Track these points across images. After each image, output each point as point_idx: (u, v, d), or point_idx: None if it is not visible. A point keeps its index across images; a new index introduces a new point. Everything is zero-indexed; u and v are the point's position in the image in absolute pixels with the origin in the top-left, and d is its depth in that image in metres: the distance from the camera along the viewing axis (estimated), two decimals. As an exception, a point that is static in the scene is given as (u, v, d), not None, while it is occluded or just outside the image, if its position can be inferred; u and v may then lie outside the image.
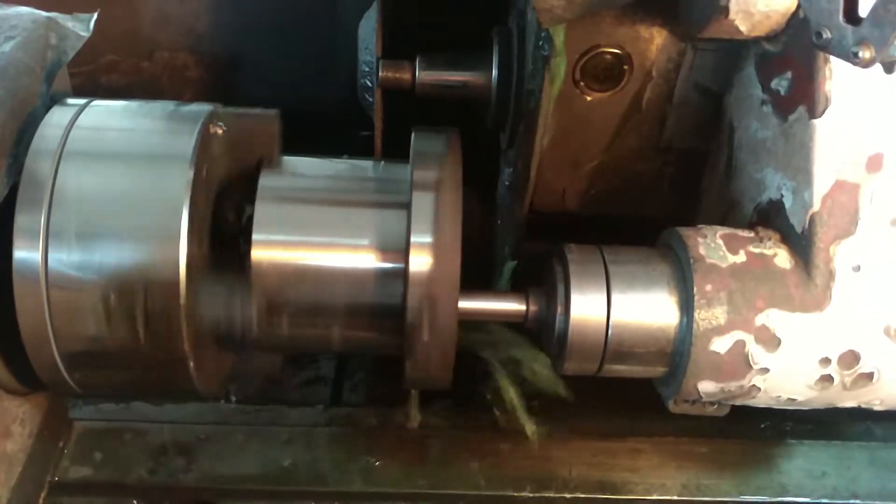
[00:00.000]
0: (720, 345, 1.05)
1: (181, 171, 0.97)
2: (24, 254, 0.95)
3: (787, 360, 1.05)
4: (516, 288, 1.15)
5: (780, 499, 1.39)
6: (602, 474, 1.39)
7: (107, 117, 1.04)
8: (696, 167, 1.36)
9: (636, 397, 1.30)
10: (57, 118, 1.01)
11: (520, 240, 1.41)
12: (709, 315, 1.04)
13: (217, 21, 1.84)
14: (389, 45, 1.47)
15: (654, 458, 1.41)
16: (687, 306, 1.05)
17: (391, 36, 1.49)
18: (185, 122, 1.02)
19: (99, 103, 1.06)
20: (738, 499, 1.38)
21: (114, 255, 0.95)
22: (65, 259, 0.95)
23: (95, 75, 1.79)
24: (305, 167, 1.11)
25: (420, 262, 1.00)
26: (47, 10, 1.58)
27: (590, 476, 1.38)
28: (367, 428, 1.42)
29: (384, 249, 1.04)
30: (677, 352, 1.07)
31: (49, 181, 0.96)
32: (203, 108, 1.05)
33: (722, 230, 1.10)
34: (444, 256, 1.00)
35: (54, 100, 1.07)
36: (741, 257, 1.07)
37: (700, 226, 1.11)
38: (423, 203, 1.01)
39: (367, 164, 1.13)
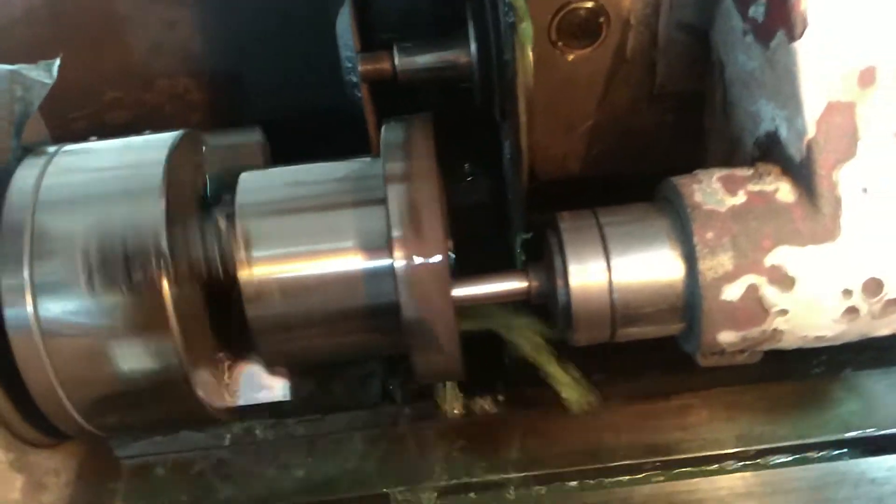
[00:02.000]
0: (732, 292, 0.99)
1: (155, 204, 0.96)
2: (14, 310, 0.95)
3: (806, 298, 0.99)
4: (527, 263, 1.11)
5: (843, 435, 1.32)
6: (651, 437, 1.35)
7: (76, 161, 1.03)
8: (695, 110, 1.29)
9: (674, 352, 1.25)
10: (28, 170, 1.01)
11: (527, 212, 1.36)
12: (714, 264, 0.99)
13: (210, 41, 1.83)
14: (370, 38, 1.44)
15: (703, 412, 1.36)
16: (691, 258, 1.00)
17: (370, 28, 1.46)
18: (153, 152, 1.01)
19: (68, 148, 1.06)
20: (798, 442, 1.32)
21: (102, 300, 0.95)
22: (54, 309, 0.95)
23: (100, 115, 1.80)
24: (281, 177, 1.09)
25: (403, 256, 0.97)
26: (40, 46, 1.62)
27: (639, 440, 1.34)
28: (412, 422, 1.40)
29: (370, 249, 1.02)
30: (689, 306, 1.02)
31: (27, 234, 0.96)
32: (172, 135, 1.04)
33: (719, 172, 1.05)
34: (427, 247, 0.97)
35: (27, 150, 1.07)
36: (740, 198, 1.01)
37: (696, 171, 1.06)
38: (397, 196, 0.98)
39: (345, 165, 1.11)
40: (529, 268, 1.07)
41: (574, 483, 1.28)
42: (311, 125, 1.69)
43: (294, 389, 1.07)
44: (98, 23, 1.69)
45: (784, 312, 1.00)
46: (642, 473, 1.29)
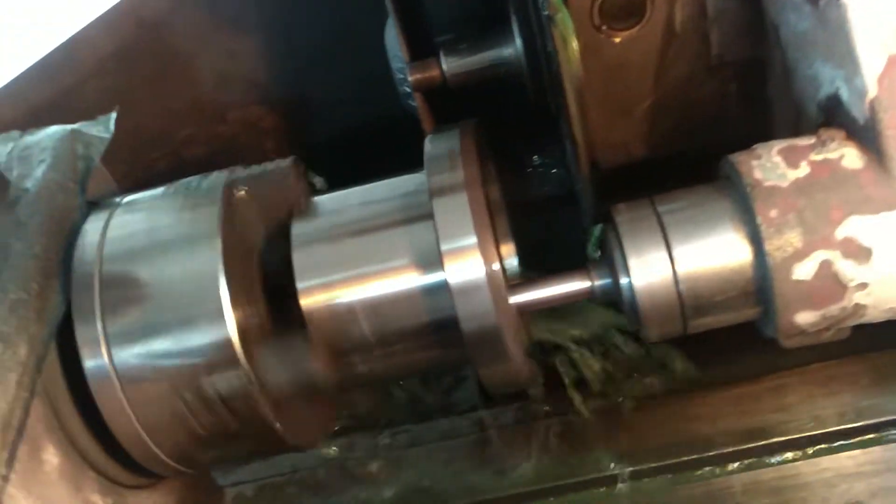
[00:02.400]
0: (803, 271, 0.94)
1: (211, 247, 0.98)
2: (92, 362, 0.98)
3: (886, 268, 0.93)
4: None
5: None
6: (747, 421, 1.29)
7: (137, 212, 1.06)
8: (759, 77, 1.23)
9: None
10: (93, 225, 1.04)
11: (595, 202, 1.33)
12: (781, 243, 0.93)
13: (273, 66, 1.85)
14: (423, 46, 1.43)
15: (801, 390, 1.30)
16: (756, 239, 0.95)
17: (422, 35, 1.44)
18: (206, 196, 1.03)
19: (130, 199, 1.09)
20: (912, 414, 1.24)
21: (171, 344, 0.97)
22: (128, 357, 0.98)
23: (178, 153, 1.85)
24: (333, 203, 1.10)
25: (456, 269, 0.96)
26: (113, 96, 1.67)
27: (735, 426, 1.29)
28: (503, 425, 1.39)
29: (424, 265, 1.01)
30: (761, 289, 0.97)
31: (96, 287, 0.99)
32: (220, 177, 1.05)
33: (779, 145, 0.99)
34: (479, 257, 0.95)
35: (93, 205, 1.10)
36: (803, 170, 0.95)
37: (754, 146, 1.00)
38: (443, 209, 0.97)
39: (393, 183, 1.10)
40: (591, 266, 1.04)
41: (669, 476, 1.23)
42: (378, 138, 1.69)
43: (368, 410, 1.07)
44: (163, 64, 1.73)
45: (863, 286, 0.93)
46: (740, 461, 1.24)
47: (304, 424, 1.05)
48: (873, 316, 0.97)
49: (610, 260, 1.02)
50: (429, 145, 1.04)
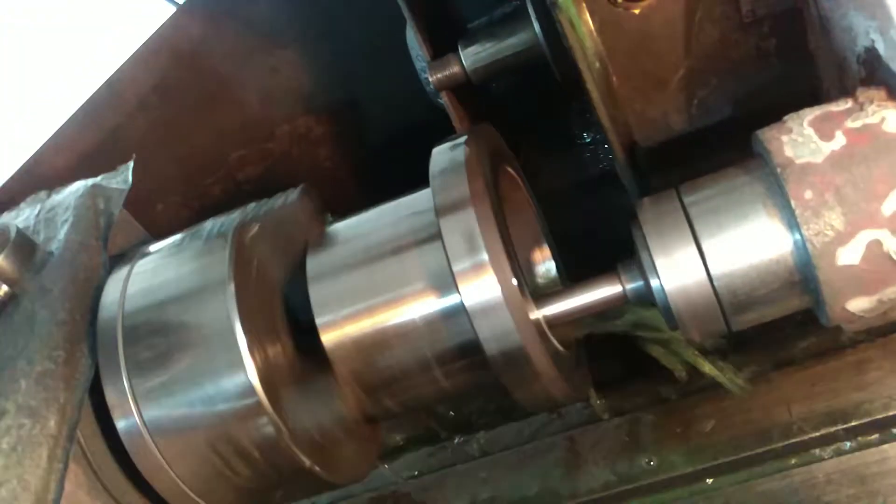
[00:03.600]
0: (849, 255, 0.82)
1: (224, 293, 0.94)
2: (123, 421, 0.97)
3: (947, 241, 0.80)
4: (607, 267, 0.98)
5: None
6: (827, 403, 1.18)
7: (154, 264, 1.03)
8: (798, 29, 1.10)
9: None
10: (113, 283, 1.02)
11: (638, 186, 1.23)
12: (820, 226, 0.82)
13: (317, 74, 1.81)
14: (443, 43, 1.36)
15: (884, 364, 1.17)
16: (792, 224, 0.84)
17: (441, 33, 1.37)
18: (218, 240, 1.00)
19: (148, 249, 1.07)
20: None
21: (196, 396, 0.94)
22: (158, 414, 0.96)
23: (232, 175, 1.84)
24: (346, 230, 1.04)
25: (470, 290, 0.89)
26: (160, 128, 1.66)
27: (813, 410, 1.17)
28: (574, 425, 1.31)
29: (442, 288, 0.94)
30: (806, 278, 0.86)
31: (120, 345, 0.98)
32: (231, 219, 1.02)
33: (811, 113, 0.87)
34: (492, 274, 0.88)
35: (116, 259, 1.09)
36: (839, 141, 0.83)
37: (785, 118, 0.89)
38: (451, 227, 0.90)
39: (403, 203, 1.03)
40: (621, 268, 0.95)
41: (745, 471, 1.13)
42: (433, 133, 1.62)
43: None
44: (205, 90, 1.72)
45: (923, 263, 0.81)
46: (821, 448, 1.12)
47: (344, 460, 1.01)
48: (940, 292, 0.85)
49: (639, 261, 0.92)
50: (433, 159, 0.96)
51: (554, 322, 0.95)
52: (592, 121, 1.62)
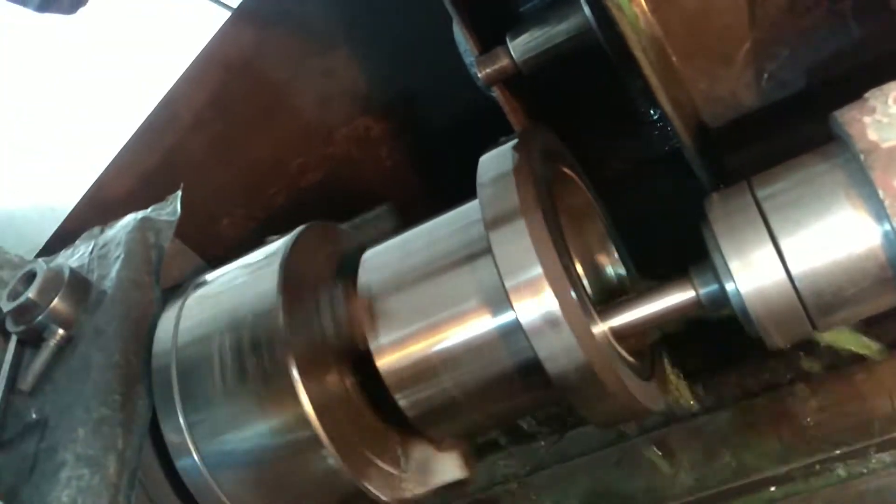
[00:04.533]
0: (952, 247, 0.71)
1: (275, 323, 0.90)
2: (182, 459, 0.94)
3: None
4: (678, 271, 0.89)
5: None
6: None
7: (206, 296, 0.99)
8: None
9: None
10: (166, 318, 0.99)
11: (710, 170, 1.13)
12: (915, 217, 0.71)
13: (372, 73, 1.76)
14: (489, 36, 1.27)
15: None
16: (881, 216, 0.74)
17: (490, 25, 1.28)
18: (267, 267, 0.95)
19: (201, 280, 1.02)
20: None
21: (253, 430, 0.90)
22: (215, 450, 0.93)
23: (294, 183, 1.80)
24: (396, 249, 0.98)
25: (526, 306, 0.81)
26: (218, 142, 1.63)
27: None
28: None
29: (497, 305, 0.87)
30: (902, 271, 0.75)
31: (174, 383, 0.94)
32: (276, 246, 0.97)
33: (895, 88, 0.76)
34: (548, 289, 0.80)
35: (170, 291, 1.05)
36: (932, 118, 0.72)
37: (867, 94, 0.78)
38: (501, 240, 0.83)
39: (453, 216, 0.96)
40: (693, 270, 0.86)
41: (841, 470, 1.03)
42: (491, 123, 1.54)
43: (470, 464, 0.95)
44: (261, 100, 1.68)
45: None
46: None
47: (395, 486, 0.95)
48: None
49: (711, 263, 0.83)
50: (480, 167, 0.89)
51: (622, 334, 0.86)
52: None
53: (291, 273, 0.93)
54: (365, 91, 1.72)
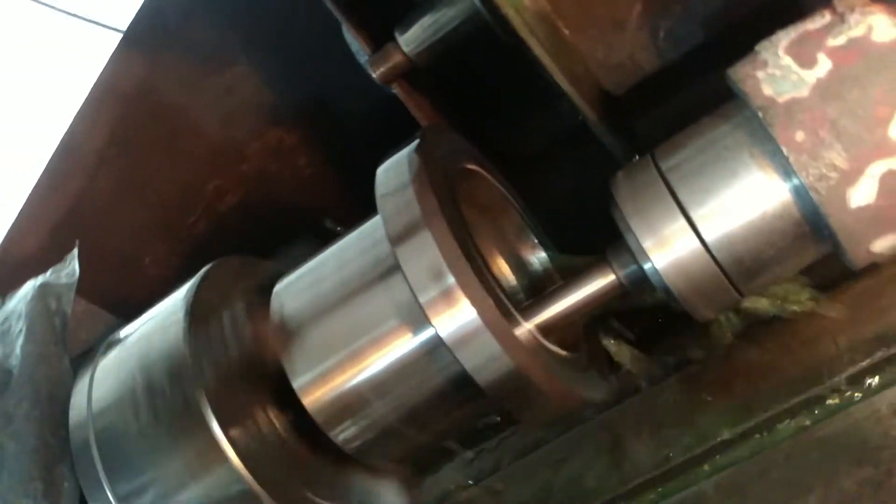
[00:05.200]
0: (862, 194, 0.68)
1: (188, 373, 0.84)
2: None
3: (974, 154, 0.66)
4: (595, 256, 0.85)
5: None
6: (875, 326, 1.04)
7: (115, 358, 0.93)
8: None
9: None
10: (79, 389, 0.93)
11: (621, 141, 1.09)
12: (821, 169, 0.68)
13: (276, 83, 1.69)
14: (381, 34, 1.22)
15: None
16: (788, 172, 0.70)
17: (376, 25, 1.23)
18: (172, 315, 0.89)
19: (111, 340, 0.96)
20: None
21: (182, 492, 0.85)
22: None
23: (212, 208, 1.72)
24: (307, 278, 0.92)
25: (444, 320, 0.77)
26: (128, 176, 1.56)
27: (862, 336, 1.03)
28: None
29: (414, 322, 0.82)
30: (818, 226, 0.72)
31: (95, 451, 0.88)
32: (182, 293, 0.91)
33: (786, 38, 0.72)
34: (463, 299, 0.76)
35: (82, 357, 0.99)
36: (824, 65, 0.69)
37: (757, 47, 0.74)
38: (408, 255, 0.78)
39: (357, 237, 0.91)
40: (610, 253, 0.81)
41: (797, 420, 1.00)
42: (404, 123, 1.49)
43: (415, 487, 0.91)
44: (164, 128, 1.61)
45: (951, 186, 0.67)
46: (879, 375, 0.99)
47: None
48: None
49: (626, 244, 0.79)
50: (378, 181, 0.84)
51: (550, 328, 0.82)
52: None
53: (201, 315, 0.87)
54: (271, 102, 1.65)
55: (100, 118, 1.57)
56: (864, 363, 1.01)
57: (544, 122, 1.50)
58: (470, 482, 1.21)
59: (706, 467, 1.05)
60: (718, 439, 1.06)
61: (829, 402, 1.02)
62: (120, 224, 1.62)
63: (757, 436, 1.04)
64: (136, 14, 1.59)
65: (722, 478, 1.03)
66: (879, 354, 1.01)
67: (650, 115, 1.17)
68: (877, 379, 1.00)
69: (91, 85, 1.58)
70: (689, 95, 1.12)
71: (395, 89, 1.22)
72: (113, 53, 1.58)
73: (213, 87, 1.60)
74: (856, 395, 1.00)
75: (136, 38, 1.52)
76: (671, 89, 1.11)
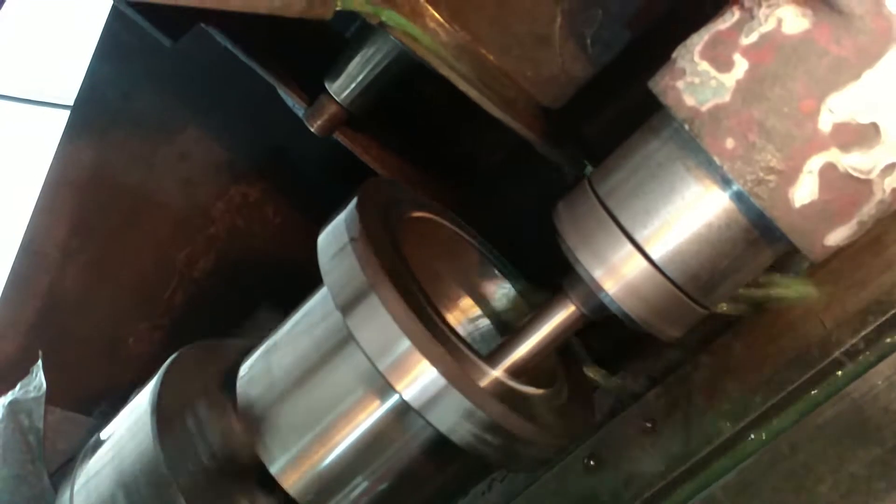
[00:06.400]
0: (805, 191, 0.65)
1: (159, 472, 0.81)
2: None
3: (909, 134, 0.63)
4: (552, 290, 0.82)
5: None
6: (858, 299, 1.00)
7: (93, 473, 0.91)
8: None
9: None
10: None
11: (570, 157, 1.06)
12: (758, 174, 0.65)
13: (228, 142, 1.66)
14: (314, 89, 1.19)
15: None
16: (725, 181, 0.67)
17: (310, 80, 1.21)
18: (140, 422, 0.86)
19: (87, 449, 0.94)
20: None
21: None
22: None
23: (187, 277, 1.71)
24: (266, 359, 0.89)
25: (407, 386, 0.74)
26: (88, 274, 1.54)
27: (847, 311, 1.00)
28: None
29: (380, 390, 0.80)
30: (768, 229, 0.69)
31: None
32: (150, 387, 0.88)
33: (700, 40, 0.69)
34: (423, 360, 0.73)
35: (62, 471, 0.96)
36: (740, 67, 0.65)
37: (674, 55, 0.71)
38: (361, 325, 0.75)
39: (311, 305, 0.88)
40: (567, 285, 0.78)
41: (795, 409, 0.97)
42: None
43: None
44: (124, 207, 1.59)
45: (891, 168, 0.64)
46: (869, 350, 0.96)
47: None
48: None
49: (578, 275, 0.76)
50: (320, 251, 0.81)
51: (519, 370, 0.79)
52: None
53: (167, 416, 0.85)
54: (228, 160, 1.64)
55: (57, 211, 1.56)
56: (854, 340, 0.98)
57: (500, 134, 1.47)
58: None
59: (711, 470, 1.01)
60: (718, 441, 1.02)
61: (824, 385, 0.98)
62: (96, 312, 1.60)
63: (757, 431, 1.01)
64: (76, 98, 1.58)
65: (729, 479, 1.00)
66: (867, 328, 0.97)
67: (597, 120, 1.15)
68: (869, 353, 0.96)
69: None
70: (632, 93, 1.09)
71: (338, 138, 1.19)
72: (59, 142, 1.56)
73: (166, 157, 1.58)
74: (850, 373, 0.97)
75: (79, 126, 1.51)
76: (613, 91, 1.08)
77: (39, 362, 1.06)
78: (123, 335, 1.64)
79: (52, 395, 1.12)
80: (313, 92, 1.18)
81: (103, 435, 0.94)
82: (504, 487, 1.17)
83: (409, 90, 1.41)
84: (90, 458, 0.92)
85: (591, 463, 1.09)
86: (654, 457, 1.06)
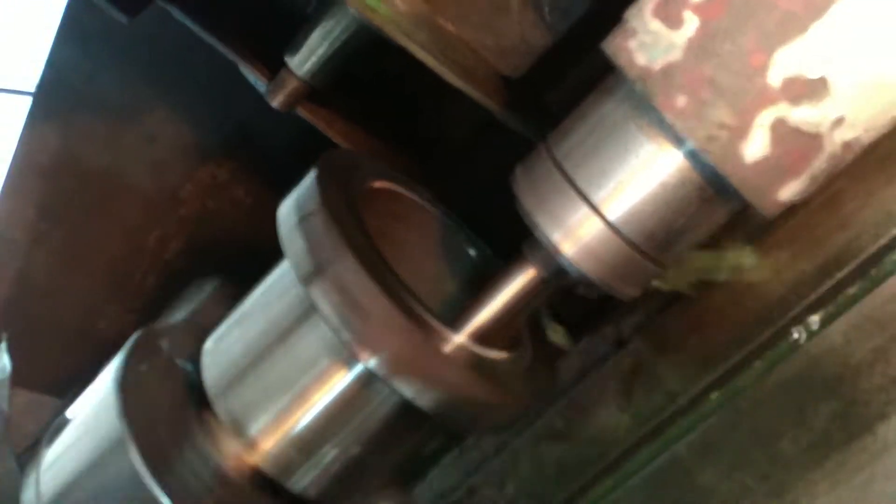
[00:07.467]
0: (756, 146, 0.65)
1: (129, 461, 0.80)
2: None
3: (854, 85, 0.62)
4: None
5: None
6: (816, 257, 1.01)
7: (58, 456, 0.89)
8: None
9: None
10: (28, 494, 0.88)
11: (535, 126, 1.05)
12: (709, 130, 0.65)
13: (195, 124, 1.64)
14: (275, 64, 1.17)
15: (857, 191, 0.99)
16: (678, 139, 0.66)
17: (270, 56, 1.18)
18: (104, 402, 0.85)
19: (56, 427, 0.92)
20: None
21: None
22: None
23: (158, 259, 1.68)
24: (232, 334, 0.88)
25: (371, 354, 0.73)
26: (58, 259, 1.51)
27: (806, 270, 1.01)
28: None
29: (345, 358, 0.79)
30: (722, 186, 0.69)
31: None
32: (113, 367, 0.87)
33: (652, 0, 0.68)
34: (386, 328, 0.72)
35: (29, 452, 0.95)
36: (691, 23, 0.65)
37: (624, 16, 0.70)
38: (323, 296, 0.74)
39: (275, 277, 0.87)
40: (527, 249, 0.78)
41: (756, 367, 0.98)
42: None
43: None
44: (92, 191, 1.56)
45: (840, 122, 0.64)
46: (827, 308, 0.96)
47: None
48: (870, 137, 0.67)
49: (537, 238, 0.75)
50: (279, 223, 0.79)
51: (484, 334, 0.79)
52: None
53: (131, 390, 0.83)
54: (195, 142, 1.61)
55: (24, 195, 1.52)
56: (812, 297, 0.98)
57: (465, 108, 1.46)
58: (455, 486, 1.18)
59: (676, 429, 1.02)
60: (682, 401, 1.03)
61: (784, 342, 0.99)
62: (67, 297, 1.58)
63: (720, 389, 1.01)
64: (39, 82, 1.54)
65: (693, 437, 1.00)
66: (824, 285, 0.98)
67: (558, 87, 1.13)
68: (827, 309, 0.97)
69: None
70: (595, 60, 1.09)
71: (301, 113, 1.17)
72: (24, 128, 1.52)
73: (133, 140, 1.55)
74: (809, 330, 0.97)
75: (45, 108, 1.47)
76: (573, 59, 1.07)
77: (3, 344, 1.04)
78: (94, 318, 1.62)
79: (25, 380, 1.10)
80: (275, 68, 1.16)
81: (69, 414, 0.92)
82: (475, 454, 1.17)
83: (373, 64, 1.39)
84: (56, 438, 0.90)
85: (560, 426, 1.09)
86: (619, 418, 1.06)
